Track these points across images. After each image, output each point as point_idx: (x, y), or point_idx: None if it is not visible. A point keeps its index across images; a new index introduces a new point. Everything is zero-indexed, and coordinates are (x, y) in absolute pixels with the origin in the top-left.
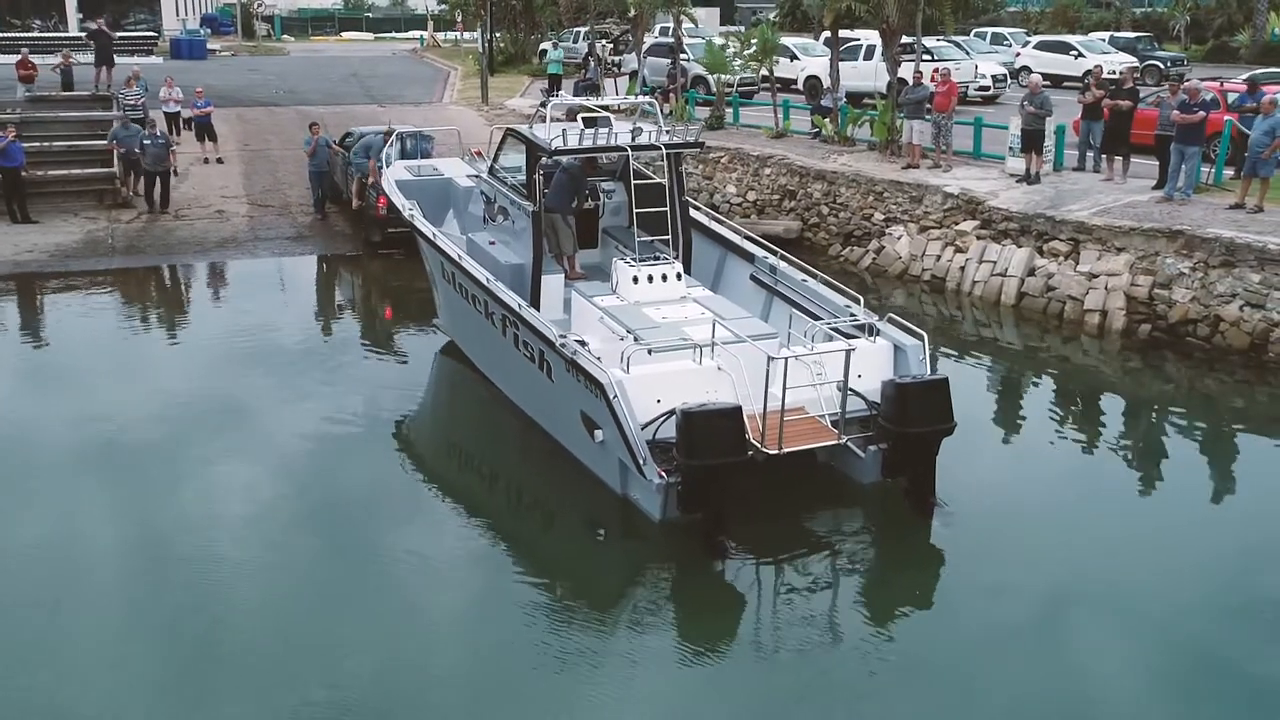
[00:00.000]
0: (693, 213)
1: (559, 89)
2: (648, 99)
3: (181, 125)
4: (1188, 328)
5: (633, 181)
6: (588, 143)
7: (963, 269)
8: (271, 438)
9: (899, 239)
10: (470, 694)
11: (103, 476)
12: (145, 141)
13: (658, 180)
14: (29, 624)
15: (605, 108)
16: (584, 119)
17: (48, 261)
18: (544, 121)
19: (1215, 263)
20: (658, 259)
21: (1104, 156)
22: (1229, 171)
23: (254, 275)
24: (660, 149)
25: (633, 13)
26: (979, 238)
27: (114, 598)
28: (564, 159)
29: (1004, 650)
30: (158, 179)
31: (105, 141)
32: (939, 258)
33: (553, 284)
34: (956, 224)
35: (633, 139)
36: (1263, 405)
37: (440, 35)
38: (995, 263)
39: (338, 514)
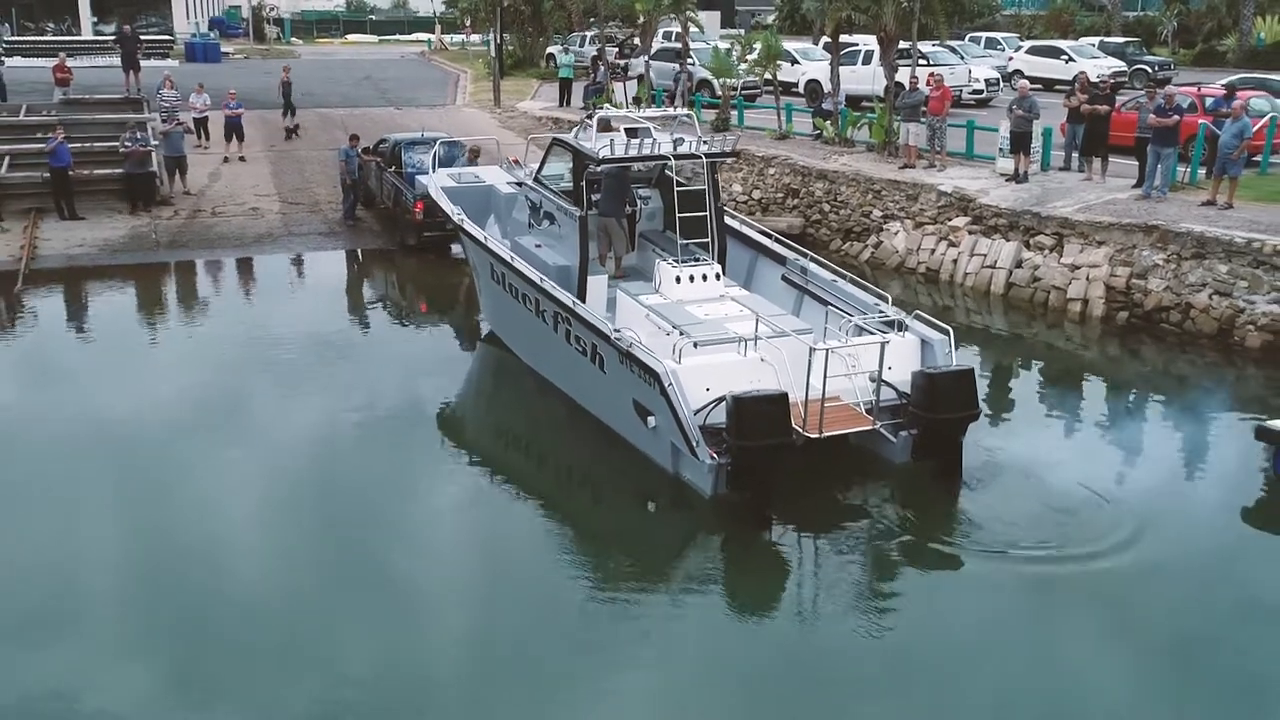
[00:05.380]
0: (726, 218)
1: (570, 93)
2: (685, 111)
3: (208, 128)
4: (1162, 314)
5: (676, 188)
6: (633, 152)
7: (955, 261)
8: (318, 421)
9: (896, 234)
10: (525, 646)
11: (151, 459)
12: (127, 144)
13: (698, 187)
14: (32, 620)
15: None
16: (625, 129)
17: (98, 255)
18: (587, 131)
19: (1187, 255)
20: (697, 260)
21: (1084, 158)
22: (1203, 171)
23: (292, 269)
24: (700, 158)
25: (641, 19)
26: (970, 233)
27: (128, 588)
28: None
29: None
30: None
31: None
32: (933, 251)
33: (597, 284)
34: (950, 220)
35: (675, 148)
36: (1230, 384)
37: (447, 38)
38: (985, 256)
39: (387, 492)
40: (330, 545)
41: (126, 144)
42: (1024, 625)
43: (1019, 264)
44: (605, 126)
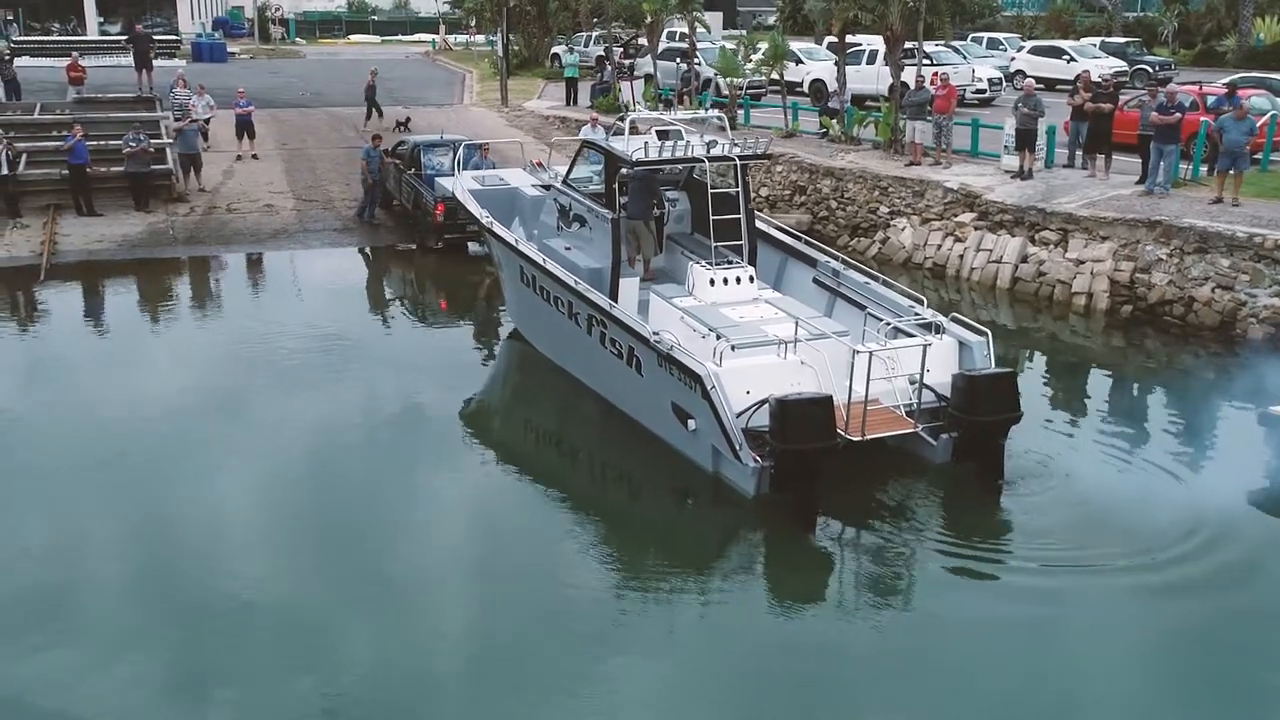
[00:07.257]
0: (756, 221)
1: (575, 92)
2: (716, 113)
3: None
4: (1165, 308)
5: (710, 190)
6: (666, 154)
7: (962, 257)
8: (341, 416)
9: (903, 230)
10: (554, 641)
11: (169, 452)
12: (131, 145)
13: (730, 189)
14: (34, 611)
15: (680, 120)
16: (656, 131)
17: (116, 250)
18: (622, 134)
19: (1190, 249)
20: (730, 263)
21: (1087, 155)
22: (1205, 168)
23: (309, 265)
24: (734, 160)
25: (648, 19)
26: (976, 228)
27: (131, 579)
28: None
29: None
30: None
31: (163, 140)
32: (940, 247)
33: (629, 286)
34: (956, 216)
35: (708, 150)
36: (1233, 376)
37: (451, 38)
38: (991, 251)
39: (417, 487)
40: (358, 541)
41: (131, 144)
42: (1065, 624)
43: (1024, 259)
44: (636, 129)
